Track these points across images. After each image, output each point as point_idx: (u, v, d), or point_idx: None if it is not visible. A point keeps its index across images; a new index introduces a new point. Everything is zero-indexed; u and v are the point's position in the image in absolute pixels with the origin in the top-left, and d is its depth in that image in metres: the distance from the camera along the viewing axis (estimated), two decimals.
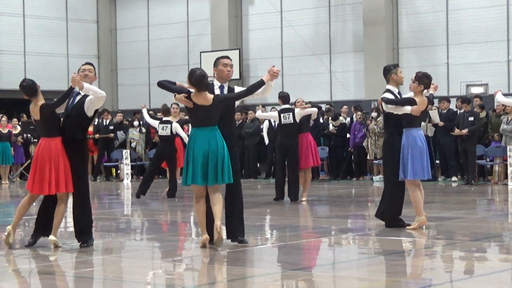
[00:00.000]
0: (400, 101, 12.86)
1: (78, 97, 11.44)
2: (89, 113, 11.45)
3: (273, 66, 11.43)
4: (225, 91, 11.55)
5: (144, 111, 22.56)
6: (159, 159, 20.96)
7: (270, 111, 25.02)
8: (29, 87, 11.47)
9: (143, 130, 29.22)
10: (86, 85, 11.19)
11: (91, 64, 11.94)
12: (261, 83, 11.23)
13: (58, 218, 11.39)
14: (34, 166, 11.50)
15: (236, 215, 11.49)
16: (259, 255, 11.33)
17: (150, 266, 10.64)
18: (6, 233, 11.38)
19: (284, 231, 14.27)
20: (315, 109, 19.04)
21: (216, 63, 11.65)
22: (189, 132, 11.33)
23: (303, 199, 18.64)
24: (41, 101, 11.46)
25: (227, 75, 11.58)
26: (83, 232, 11.55)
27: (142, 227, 15.33)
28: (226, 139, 11.20)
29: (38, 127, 11.88)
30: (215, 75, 11.68)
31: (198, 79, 10.90)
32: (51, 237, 11.31)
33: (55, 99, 11.56)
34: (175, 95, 11.24)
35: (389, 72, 13.11)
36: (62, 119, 11.54)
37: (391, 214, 13.16)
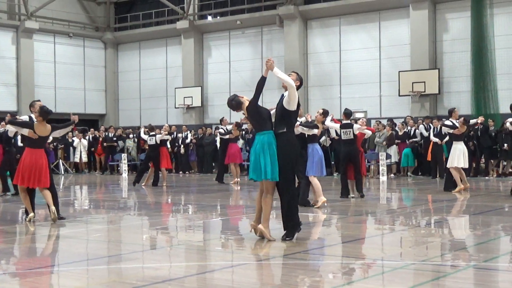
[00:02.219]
0: (311, 126, 13.11)
1: None
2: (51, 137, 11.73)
3: (268, 59, 8.96)
4: (285, 95, 8.97)
5: (142, 129, 22.84)
6: (148, 160, 20.96)
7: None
8: (49, 113, 11.04)
9: (136, 140, 29.23)
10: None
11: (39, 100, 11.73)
12: (262, 79, 8.93)
13: (50, 199, 10.96)
14: (31, 168, 10.84)
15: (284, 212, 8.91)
16: (216, 224, 11.31)
17: (140, 232, 10.59)
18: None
19: (231, 208, 14.28)
20: None
21: None
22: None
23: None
24: (46, 123, 11.06)
25: (283, 85, 9.04)
26: (58, 210, 11.19)
27: (135, 206, 15.23)
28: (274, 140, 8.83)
29: (37, 140, 10.96)
30: None
31: (227, 103, 9.45)
32: (53, 207, 10.88)
33: (55, 124, 11.47)
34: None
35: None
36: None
37: (304, 196, 13.29)
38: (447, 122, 16.73)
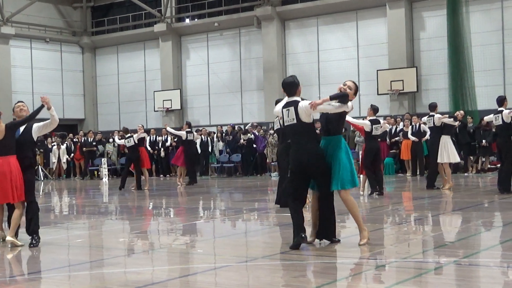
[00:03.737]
0: None
1: (22, 127, 9.38)
2: (35, 137, 9.44)
3: None
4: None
5: (116, 137, 22.74)
6: (129, 163, 20.85)
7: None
8: None
9: (116, 144, 29.09)
10: (52, 107, 9.34)
11: (23, 102, 9.89)
12: None
13: (16, 221, 9.26)
14: None
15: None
16: (197, 227, 11.29)
17: (122, 237, 10.53)
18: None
19: (212, 210, 14.27)
20: None
21: (299, 82, 8.65)
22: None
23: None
24: (1, 123, 9.21)
25: None
26: (34, 231, 9.35)
27: (116, 211, 15.16)
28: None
29: None
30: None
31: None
32: (8, 237, 9.20)
33: (13, 122, 9.61)
34: None
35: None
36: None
37: (286, 196, 13.16)
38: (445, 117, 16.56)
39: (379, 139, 16.17)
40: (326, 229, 8.50)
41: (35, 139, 9.48)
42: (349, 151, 8.43)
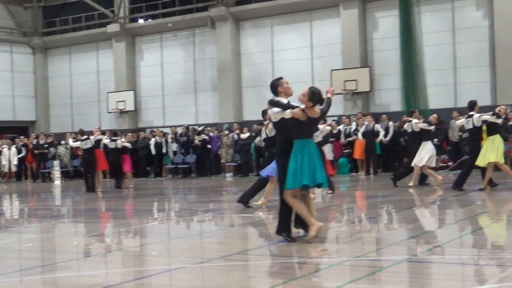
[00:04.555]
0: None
1: None
2: None
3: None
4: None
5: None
6: (86, 165, 20.46)
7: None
8: None
9: (68, 147, 28.74)
10: None
11: None
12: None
13: None
14: None
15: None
16: (151, 229, 11.23)
17: (75, 240, 10.40)
18: None
19: (167, 212, 14.20)
20: None
21: (279, 83, 9.02)
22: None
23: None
24: None
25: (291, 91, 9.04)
26: None
27: (69, 213, 14.97)
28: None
29: None
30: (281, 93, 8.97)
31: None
32: None
33: None
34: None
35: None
36: None
37: (250, 194, 13.25)
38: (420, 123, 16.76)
39: (333, 139, 16.33)
40: (282, 223, 8.76)
41: None
42: (297, 154, 8.64)
